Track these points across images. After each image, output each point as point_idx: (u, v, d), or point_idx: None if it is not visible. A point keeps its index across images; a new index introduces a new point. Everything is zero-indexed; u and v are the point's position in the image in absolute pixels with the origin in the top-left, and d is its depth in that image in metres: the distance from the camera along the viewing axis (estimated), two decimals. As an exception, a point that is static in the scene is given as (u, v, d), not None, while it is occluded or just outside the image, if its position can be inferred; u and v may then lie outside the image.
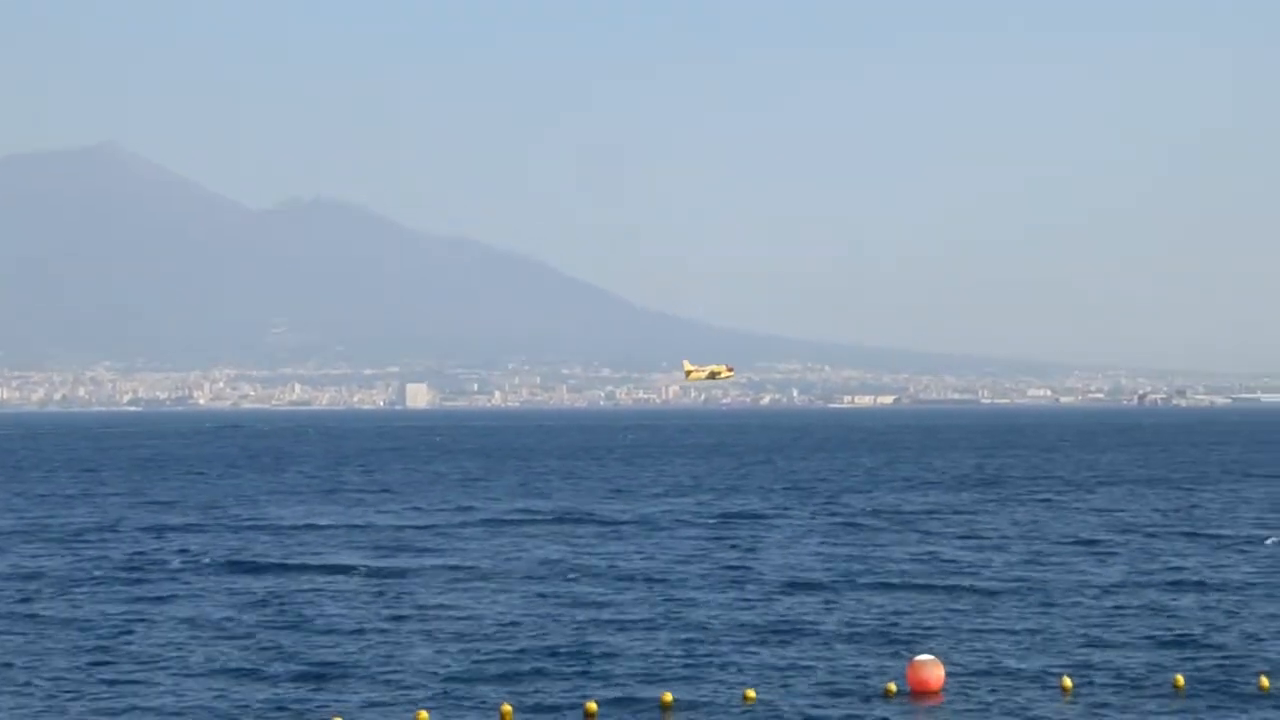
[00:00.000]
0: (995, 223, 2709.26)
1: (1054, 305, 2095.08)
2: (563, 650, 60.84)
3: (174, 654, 61.35)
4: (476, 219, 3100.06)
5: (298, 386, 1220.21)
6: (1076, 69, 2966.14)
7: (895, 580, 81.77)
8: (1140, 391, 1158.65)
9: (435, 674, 56.43)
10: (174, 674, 57.39)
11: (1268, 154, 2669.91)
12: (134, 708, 51.78)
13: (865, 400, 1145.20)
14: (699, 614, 70.03)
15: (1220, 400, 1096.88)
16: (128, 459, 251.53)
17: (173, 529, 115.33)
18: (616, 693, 52.68)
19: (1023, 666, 56.80)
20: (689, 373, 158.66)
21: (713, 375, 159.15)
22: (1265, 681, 53.11)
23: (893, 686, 52.78)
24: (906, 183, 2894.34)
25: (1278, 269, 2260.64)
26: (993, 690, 52.97)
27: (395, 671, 57.11)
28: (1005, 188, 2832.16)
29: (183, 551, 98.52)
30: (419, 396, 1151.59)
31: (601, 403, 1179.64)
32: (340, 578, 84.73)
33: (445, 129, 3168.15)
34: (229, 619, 70.14)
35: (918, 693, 52.15)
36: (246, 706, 51.98)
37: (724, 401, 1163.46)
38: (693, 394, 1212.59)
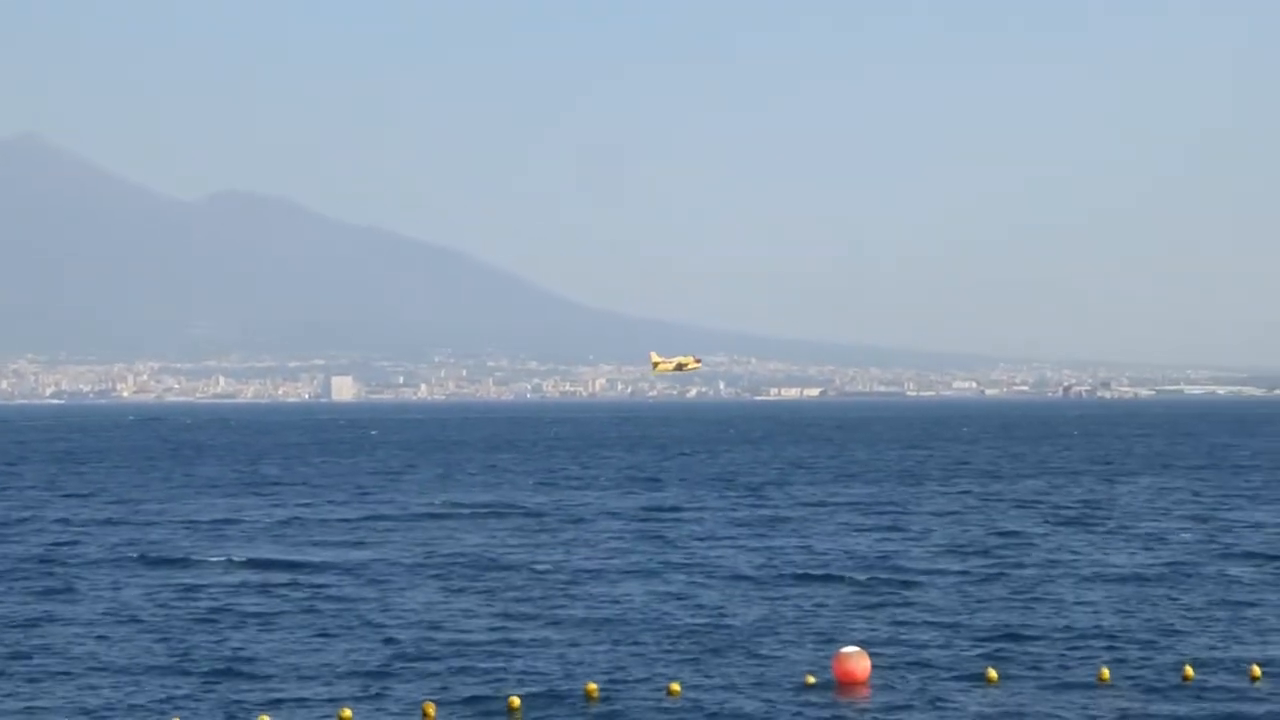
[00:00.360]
0: (926, 219, 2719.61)
1: (978, 298, 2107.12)
2: (485, 645, 60.23)
3: (89, 649, 60.28)
4: (398, 212, 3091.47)
5: (222, 379, 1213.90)
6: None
7: (819, 572, 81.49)
8: (1065, 384, 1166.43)
9: (357, 670, 55.67)
10: (90, 669, 56.38)
11: (1209, 150, 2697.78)
12: (47, 707, 50.74)
13: (791, 393, 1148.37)
14: (622, 607, 69.58)
15: (1144, 392, 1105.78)
16: (46, 452, 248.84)
17: (88, 523, 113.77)
18: (539, 687, 52.06)
19: (948, 657, 56.54)
20: (656, 364, 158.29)
21: (679, 367, 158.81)
22: (1190, 671, 53.09)
23: (811, 678, 52.43)
24: (815, 175, 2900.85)
25: (1202, 263, 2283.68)
26: (919, 681, 52.69)
27: (317, 668, 56.32)
28: (925, 185, 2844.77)
29: (98, 545, 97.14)
30: (344, 389, 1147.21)
31: (528, 395, 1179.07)
32: (259, 572, 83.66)
33: (368, 118, 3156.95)
34: (146, 614, 69.03)
35: (844, 684, 51.74)
36: (167, 701, 51.10)
37: (650, 395, 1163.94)
38: (619, 387, 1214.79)
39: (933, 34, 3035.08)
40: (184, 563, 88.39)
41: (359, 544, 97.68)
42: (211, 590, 76.74)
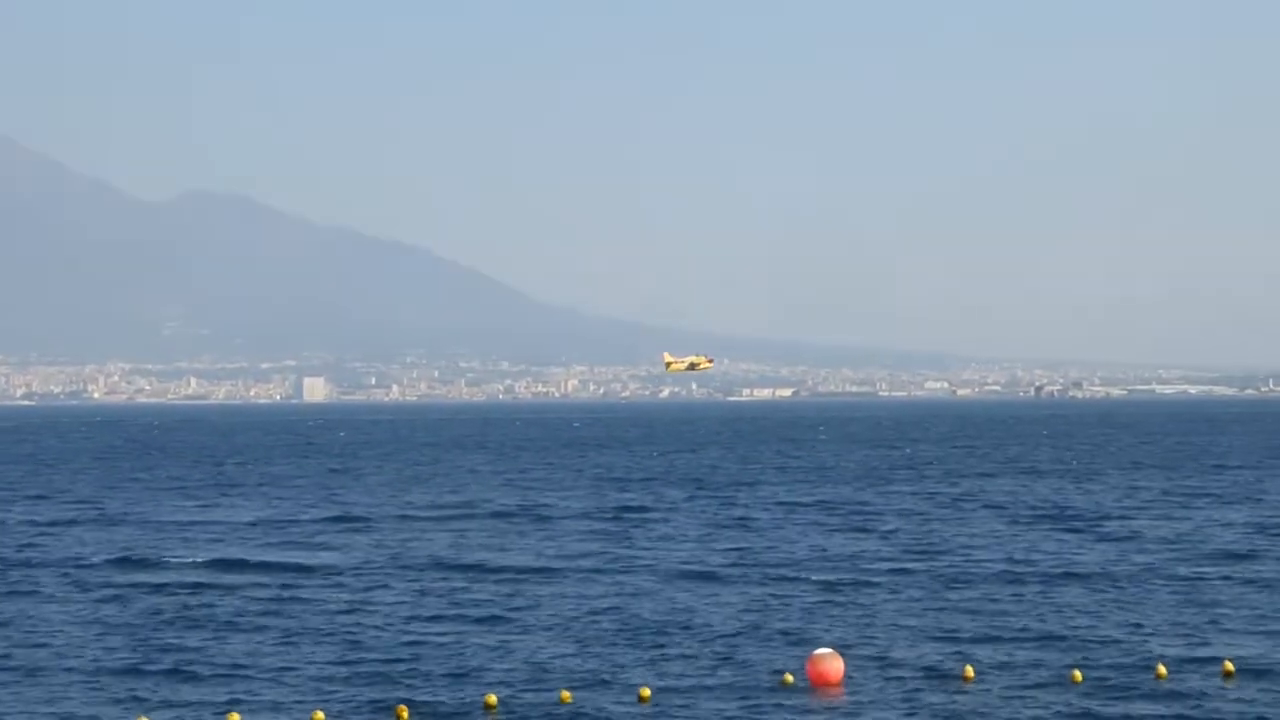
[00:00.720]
0: (890, 216, 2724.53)
1: (949, 298, 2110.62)
2: (457, 647, 59.81)
3: (54, 651, 59.73)
4: (369, 212, 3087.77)
5: (193, 380, 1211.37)
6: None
7: (790, 573, 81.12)
8: (1037, 384, 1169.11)
9: (328, 673, 55.24)
10: (55, 671, 55.90)
11: (1149, 142, 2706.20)
12: (12, 710, 50.23)
13: (764, 393, 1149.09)
14: (592, 609, 69.13)
15: (1116, 392, 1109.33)
16: (11, 454, 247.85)
17: (49, 524, 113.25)
18: (510, 690, 51.59)
19: (922, 658, 56.26)
20: (669, 364, 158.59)
21: (692, 366, 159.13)
22: (1162, 670, 53.06)
23: (789, 677, 52.10)
24: (795, 173, 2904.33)
25: (1171, 262, 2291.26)
26: (893, 682, 52.44)
27: (287, 669, 55.88)
28: (896, 181, 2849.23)
29: (60, 546, 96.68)
30: (316, 390, 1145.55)
31: (500, 396, 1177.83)
32: (226, 574, 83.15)
33: (338, 118, 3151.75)
34: (112, 616, 68.47)
35: (818, 686, 51.47)
36: (133, 702, 50.63)
37: (623, 395, 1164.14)
38: (591, 388, 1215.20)
39: (890, 29, 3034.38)
40: (148, 564, 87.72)
41: (328, 546, 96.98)
42: (178, 591, 76.16)
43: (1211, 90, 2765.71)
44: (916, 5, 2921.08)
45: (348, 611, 69.17)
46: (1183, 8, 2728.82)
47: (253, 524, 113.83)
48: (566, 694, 50.38)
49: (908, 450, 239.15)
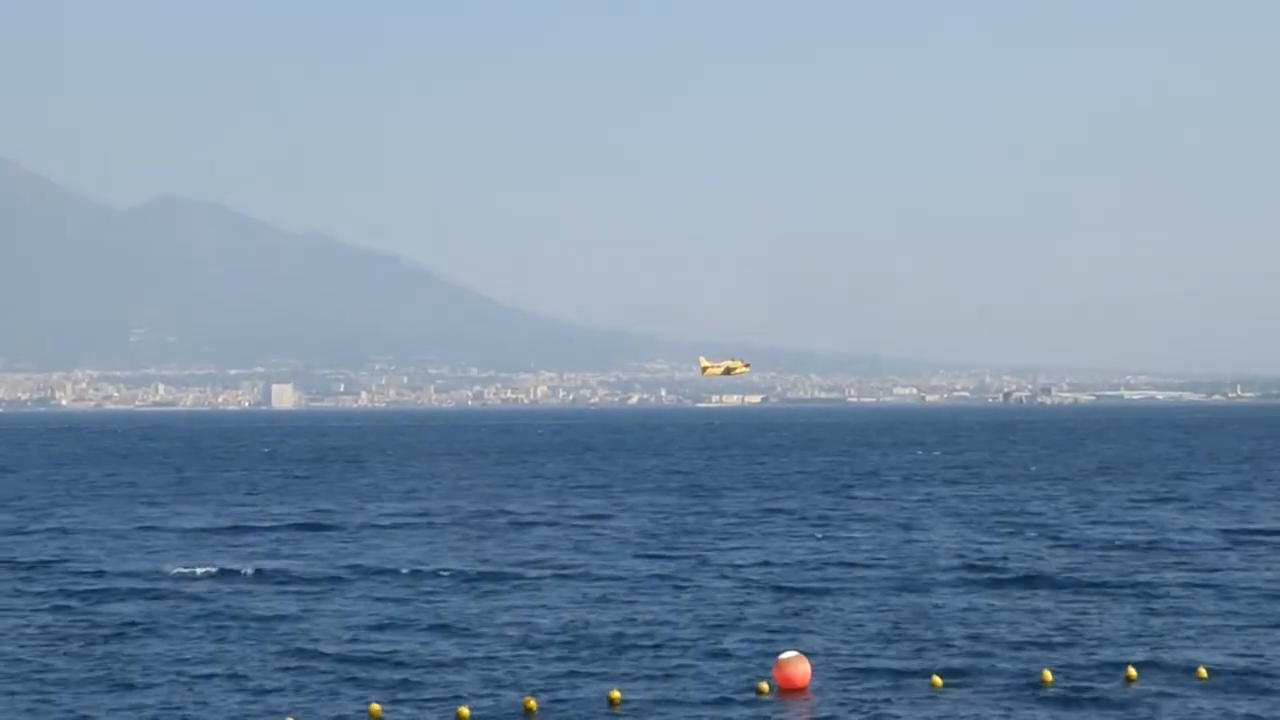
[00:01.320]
0: (861, 221, 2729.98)
1: (919, 303, 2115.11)
2: (422, 656, 59.38)
3: None
4: (341, 216, 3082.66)
5: (161, 387, 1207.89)
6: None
7: (755, 577, 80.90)
8: (1005, 390, 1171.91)
9: (294, 682, 54.77)
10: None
11: (1117, 149, 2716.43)
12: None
13: (733, 400, 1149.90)
14: (556, 616, 68.78)
15: (1084, 398, 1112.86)
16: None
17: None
18: (475, 699, 51.17)
19: (890, 663, 56.11)
20: (705, 368, 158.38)
21: (728, 371, 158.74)
22: (1133, 672, 53.05)
23: (764, 686, 51.87)
24: (770, 180, 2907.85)
25: (1139, 265, 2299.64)
26: (861, 687, 52.24)
27: (252, 676, 55.50)
28: (873, 187, 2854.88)
29: (7, 554, 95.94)
30: (284, 397, 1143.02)
31: (469, 403, 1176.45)
32: (177, 583, 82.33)
33: (310, 124, 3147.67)
34: (56, 625, 67.84)
35: (785, 690, 51.29)
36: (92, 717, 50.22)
37: (592, 401, 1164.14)
38: (560, 394, 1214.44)
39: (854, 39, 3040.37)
40: (94, 573, 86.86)
41: (282, 554, 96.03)
42: (133, 599, 75.60)
43: (1210, 90, 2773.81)
44: (916, 5, 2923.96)
45: (310, 620, 68.63)
46: (1183, 7, 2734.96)
47: (207, 530, 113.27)
48: (531, 703, 50.05)
49: (875, 457, 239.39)
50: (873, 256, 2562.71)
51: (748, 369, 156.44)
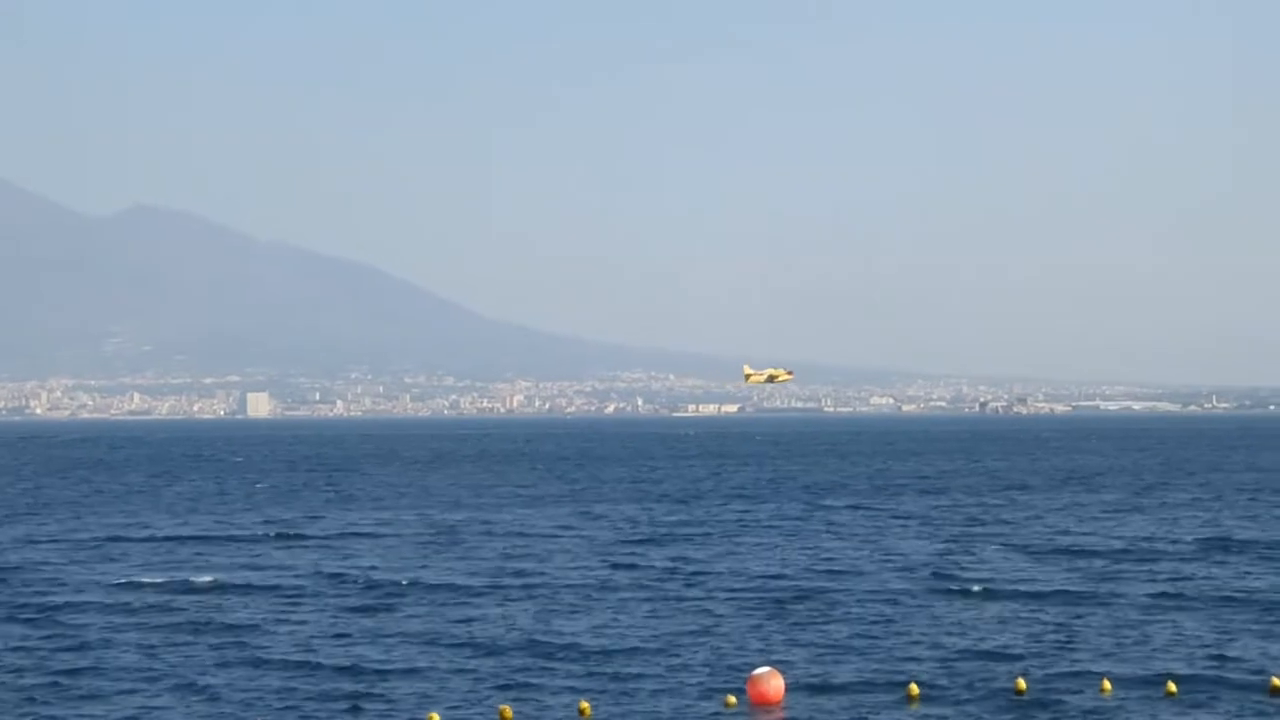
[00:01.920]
0: (836, 232, 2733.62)
1: (893, 313, 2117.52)
2: (388, 668, 58.85)
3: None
4: (312, 227, 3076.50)
5: (136, 396, 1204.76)
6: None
7: (722, 592, 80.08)
8: (981, 400, 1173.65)
9: (258, 693, 54.41)
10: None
11: (1098, 157, 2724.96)
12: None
13: (709, 409, 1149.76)
14: (523, 626, 68.39)
15: (1060, 408, 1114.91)
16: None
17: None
18: (448, 710, 50.70)
19: (865, 675, 55.80)
20: (748, 376, 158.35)
21: (771, 379, 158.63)
22: (1108, 685, 52.86)
23: (732, 700, 51.46)
24: (748, 188, 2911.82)
25: (1115, 276, 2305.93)
26: (834, 700, 51.84)
27: (214, 688, 55.10)
28: (853, 197, 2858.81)
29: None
30: (260, 406, 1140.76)
31: (445, 412, 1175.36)
32: (134, 595, 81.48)
33: (278, 132, 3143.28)
34: (17, 638, 67.02)
35: (758, 705, 50.90)
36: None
37: (568, 411, 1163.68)
38: (536, 403, 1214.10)
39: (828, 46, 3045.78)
40: (61, 583, 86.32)
41: (234, 566, 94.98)
42: (97, 611, 74.96)
43: (1181, 102, 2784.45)
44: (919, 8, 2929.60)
45: (272, 631, 68.14)
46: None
47: (179, 540, 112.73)
48: (507, 709, 49.71)
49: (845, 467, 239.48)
50: (849, 268, 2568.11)
51: (791, 377, 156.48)
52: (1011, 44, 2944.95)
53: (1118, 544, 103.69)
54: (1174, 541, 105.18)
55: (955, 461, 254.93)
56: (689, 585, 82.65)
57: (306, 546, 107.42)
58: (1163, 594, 76.97)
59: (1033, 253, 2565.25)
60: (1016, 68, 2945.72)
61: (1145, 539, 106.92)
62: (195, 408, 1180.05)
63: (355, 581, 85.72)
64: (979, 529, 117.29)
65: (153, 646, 64.22)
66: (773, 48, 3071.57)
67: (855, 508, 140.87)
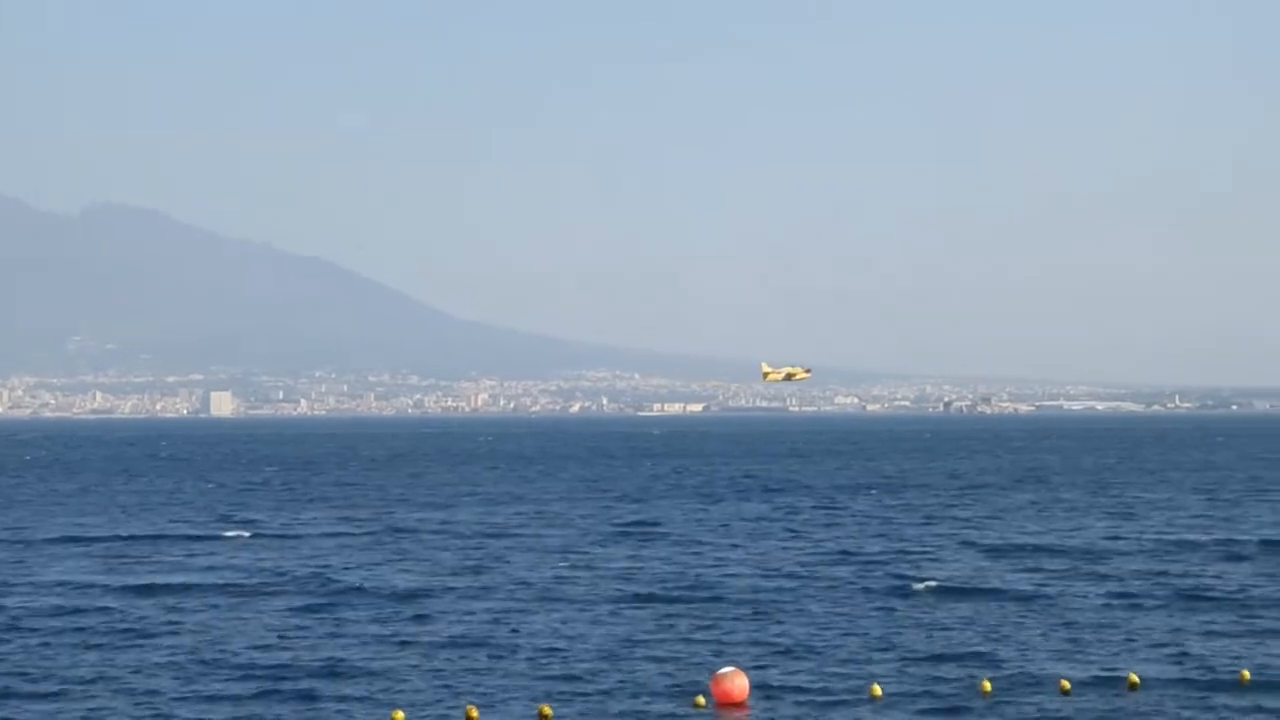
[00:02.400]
0: (804, 235, 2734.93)
1: (860, 312, 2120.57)
2: (356, 665, 58.60)
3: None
4: (282, 226, 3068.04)
5: (99, 394, 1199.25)
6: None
7: (679, 592, 79.72)
8: (946, 399, 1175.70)
9: (215, 697, 54.03)
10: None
11: (1098, 157, 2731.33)
12: None
13: (674, 408, 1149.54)
14: (483, 629, 67.81)
15: (1024, 408, 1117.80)
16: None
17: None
18: (411, 709, 50.38)
19: (828, 677, 55.58)
20: (766, 374, 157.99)
21: (789, 377, 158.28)
22: (1066, 684, 52.79)
23: (701, 700, 51.15)
24: (748, 188, 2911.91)
25: (1080, 278, 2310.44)
26: (798, 700, 51.63)
27: (153, 690, 54.67)
28: (852, 198, 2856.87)
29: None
30: (223, 405, 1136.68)
31: (409, 411, 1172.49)
32: (83, 596, 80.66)
33: (240, 130, 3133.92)
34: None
35: (723, 706, 50.63)
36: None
37: (533, 410, 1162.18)
38: (501, 402, 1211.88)
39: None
40: (11, 584, 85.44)
41: (181, 566, 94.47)
42: (48, 613, 74.14)
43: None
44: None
45: (230, 633, 67.55)
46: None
47: (122, 538, 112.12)
48: (473, 709, 49.37)
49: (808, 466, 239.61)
50: (811, 267, 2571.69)
51: (809, 375, 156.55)
52: (1011, 44, 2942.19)
53: (1076, 542, 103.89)
54: (1128, 540, 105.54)
55: (914, 460, 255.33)
56: (648, 585, 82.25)
57: (263, 546, 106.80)
58: (1121, 593, 77.01)
59: (1033, 253, 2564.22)
60: (1016, 68, 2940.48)
61: (1106, 539, 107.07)
62: (158, 406, 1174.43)
63: (311, 581, 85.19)
64: (937, 528, 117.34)
65: (102, 647, 63.77)
66: (773, 48, 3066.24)
67: (818, 507, 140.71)
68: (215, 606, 75.90)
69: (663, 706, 51.16)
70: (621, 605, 74.87)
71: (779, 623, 68.59)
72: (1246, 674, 54.04)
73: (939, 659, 58.71)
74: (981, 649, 60.69)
